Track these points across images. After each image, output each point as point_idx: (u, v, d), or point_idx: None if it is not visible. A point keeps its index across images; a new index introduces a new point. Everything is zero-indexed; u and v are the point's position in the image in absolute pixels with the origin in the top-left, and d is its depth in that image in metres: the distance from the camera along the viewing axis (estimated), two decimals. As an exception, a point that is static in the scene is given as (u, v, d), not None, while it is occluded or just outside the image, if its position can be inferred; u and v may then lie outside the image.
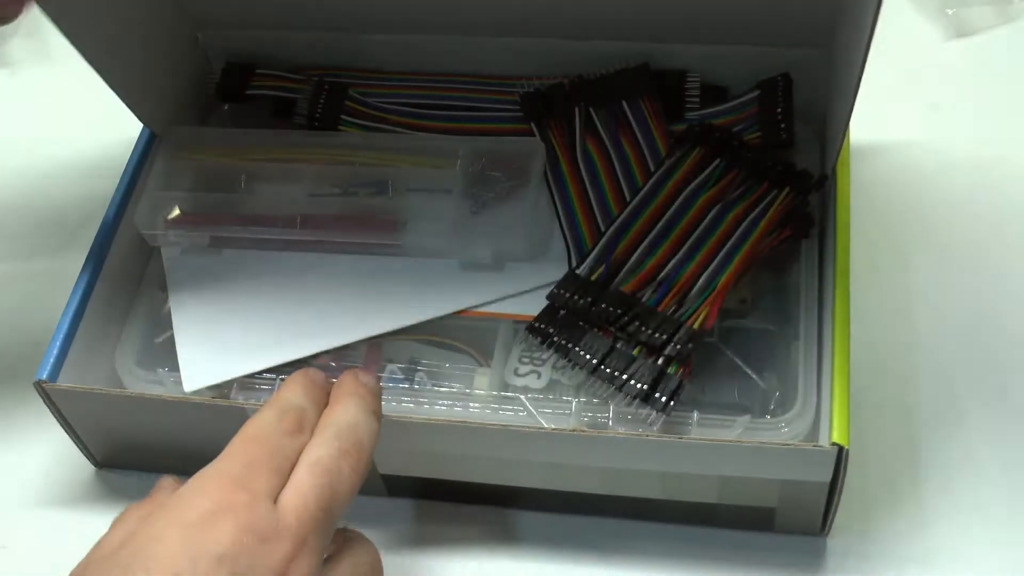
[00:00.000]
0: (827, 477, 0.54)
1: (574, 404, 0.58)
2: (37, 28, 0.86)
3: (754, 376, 0.59)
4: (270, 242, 0.64)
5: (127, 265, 0.65)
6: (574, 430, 0.56)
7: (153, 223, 0.65)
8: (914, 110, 0.76)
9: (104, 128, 0.77)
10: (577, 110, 0.66)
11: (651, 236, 0.60)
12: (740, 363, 0.59)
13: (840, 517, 0.58)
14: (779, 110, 0.64)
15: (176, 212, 0.65)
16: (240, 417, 0.56)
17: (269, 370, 0.60)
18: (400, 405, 0.59)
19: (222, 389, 0.60)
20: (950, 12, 0.79)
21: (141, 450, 0.63)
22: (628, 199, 0.62)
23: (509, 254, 0.63)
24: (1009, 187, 0.71)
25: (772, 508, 0.57)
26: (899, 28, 0.80)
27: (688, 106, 0.66)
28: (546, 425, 0.57)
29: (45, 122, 0.83)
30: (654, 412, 0.56)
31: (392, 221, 0.64)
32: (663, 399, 0.56)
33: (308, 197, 0.65)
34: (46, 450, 0.65)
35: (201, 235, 0.64)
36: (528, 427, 0.56)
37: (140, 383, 0.61)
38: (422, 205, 0.64)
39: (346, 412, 0.50)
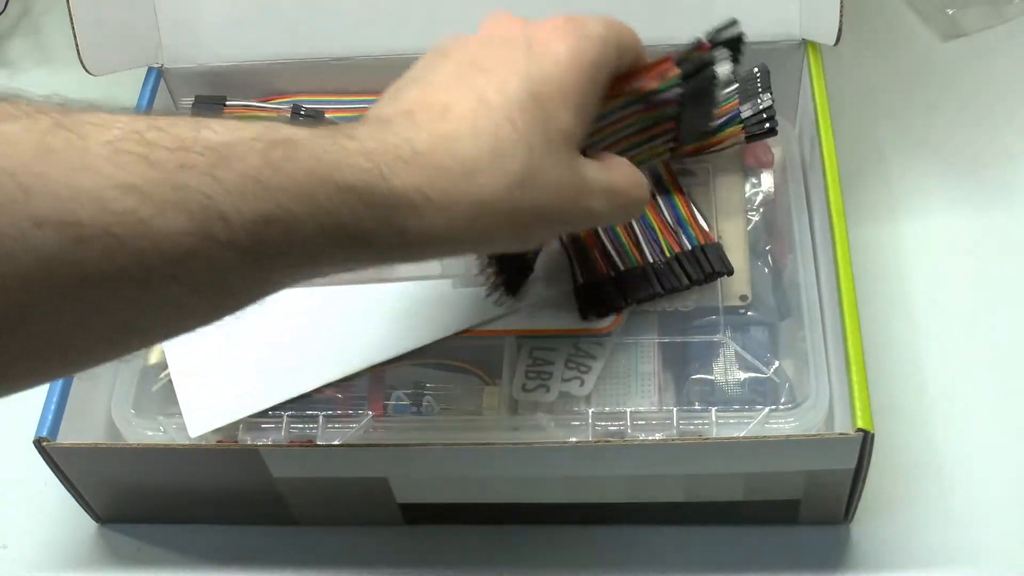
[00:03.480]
0: (852, 464, 0.54)
1: (589, 414, 0.57)
2: (37, 28, 0.85)
3: (764, 369, 0.59)
4: None
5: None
6: (598, 441, 0.55)
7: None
8: (913, 109, 0.76)
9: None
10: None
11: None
12: (749, 357, 0.59)
13: (861, 504, 0.58)
14: (760, 101, 0.64)
15: None
16: (250, 457, 0.56)
17: (274, 408, 0.59)
18: (409, 432, 0.58)
19: (227, 431, 0.59)
20: (950, 12, 0.79)
21: (145, 502, 0.61)
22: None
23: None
24: (1010, 187, 0.72)
25: (797, 500, 0.57)
26: (899, 28, 0.80)
27: (667, 105, 0.66)
28: (565, 439, 0.57)
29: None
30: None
31: None
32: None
33: None
34: (44, 507, 0.63)
35: None
36: (552, 442, 0.56)
37: (140, 432, 0.60)
38: None
39: None
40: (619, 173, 0.51)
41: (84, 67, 0.67)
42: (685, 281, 0.60)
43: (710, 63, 0.55)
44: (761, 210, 0.64)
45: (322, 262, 0.43)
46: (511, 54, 0.48)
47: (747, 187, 0.65)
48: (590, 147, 0.52)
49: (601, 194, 0.49)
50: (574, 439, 0.57)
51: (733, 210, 0.64)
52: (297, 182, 0.40)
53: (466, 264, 0.61)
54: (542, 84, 0.47)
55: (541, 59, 0.48)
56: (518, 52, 0.48)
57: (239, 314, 0.43)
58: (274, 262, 0.41)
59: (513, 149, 0.46)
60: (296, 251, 0.41)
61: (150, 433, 0.59)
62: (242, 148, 0.40)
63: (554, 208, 0.47)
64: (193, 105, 0.69)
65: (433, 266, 0.62)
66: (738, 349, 0.59)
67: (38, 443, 0.56)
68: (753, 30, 0.66)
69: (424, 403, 0.60)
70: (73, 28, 0.66)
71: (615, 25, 0.51)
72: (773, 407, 0.57)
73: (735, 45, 0.57)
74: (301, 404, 0.59)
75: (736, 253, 0.61)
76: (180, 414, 0.59)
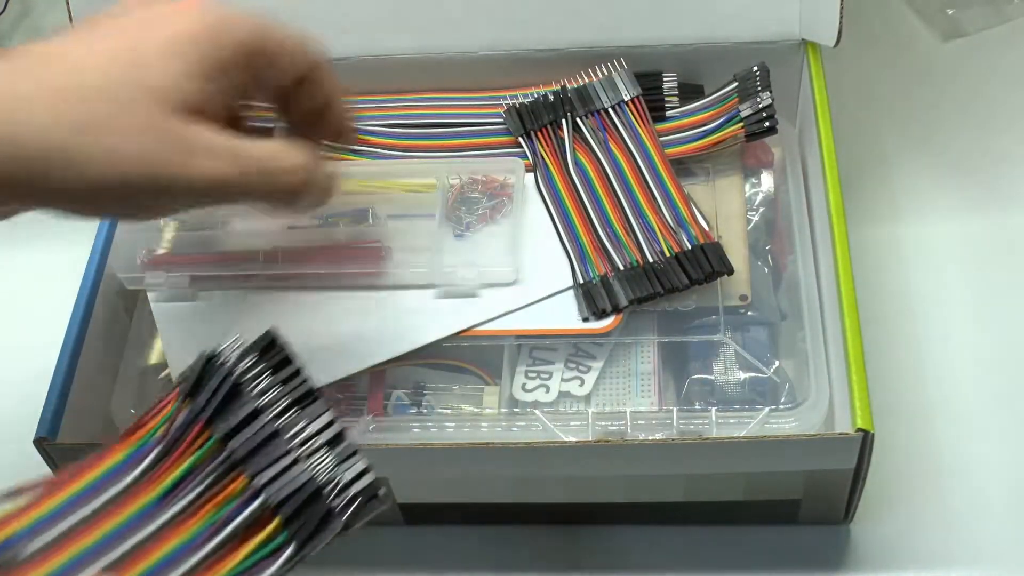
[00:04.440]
0: (852, 464, 0.54)
1: (590, 414, 0.57)
2: (37, 28, 0.85)
3: (764, 369, 0.59)
4: (251, 278, 0.63)
5: (115, 310, 0.63)
6: (598, 441, 0.55)
7: (130, 266, 0.63)
8: (913, 110, 0.76)
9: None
10: (564, 121, 0.65)
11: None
12: (749, 357, 0.59)
13: (861, 504, 0.58)
14: (759, 100, 0.64)
15: (153, 253, 0.63)
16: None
17: (274, 408, 0.59)
18: (409, 432, 0.58)
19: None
20: (950, 12, 0.79)
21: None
22: (624, 205, 0.62)
23: (494, 277, 0.62)
24: (1009, 188, 0.72)
25: (797, 500, 0.57)
26: (899, 28, 0.80)
27: (668, 104, 0.66)
28: (565, 439, 0.57)
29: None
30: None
31: (376, 248, 0.62)
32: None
33: (288, 230, 0.64)
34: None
35: (180, 276, 0.63)
36: (552, 442, 0.56)
37: (139, 432, 0.60)
38: (404, 232, 0.63)
39: None
40: (256, 143, 0.49)
41: (84, 67, 0.67)
42: (685, 281, 0.60)
43: None
44: (761, 210, 0.64)
45: None
46: (123, 21, 0.48)
47: (747, 187, 0.65)
48: None
49: (217, 156, 0.47)
50: (574, 439, 0.57)
51: (733, 210, 0.64)
52: None
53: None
54: (143, 46, 0.47)
55: (150, 26, 0.48)
56: (130, 20, 0.48)
57: None
58: None
59: (87, 94, 0.45)
60: None
61: (150, 432, 0.59)
62: None
63: (137, 160, 0.45)
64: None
65: (423, 271, 0.62)
66: (738, 349, 0.59)
67: (38, 443, 0.56)
68: (753, 30, 0.66)
69: (424, 403, 0.60)
70: (73, 29, 0.66)
71: (263, 24, 0.50)
72: (773, 407, 0.57)
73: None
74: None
75: (736, 253, 0.61)
76: (180, 414, 0.59)
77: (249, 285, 0.63)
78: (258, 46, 0.49)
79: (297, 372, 0.44)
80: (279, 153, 0.49)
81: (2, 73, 0.44)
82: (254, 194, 0.49)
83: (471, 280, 0.61)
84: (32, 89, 0.44)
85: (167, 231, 0.65)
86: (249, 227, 0.65)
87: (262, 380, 0.43)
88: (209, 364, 0.43)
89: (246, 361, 0.43)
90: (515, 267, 0.62)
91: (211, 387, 0.43)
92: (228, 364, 0.43)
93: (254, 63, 0.49)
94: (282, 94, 0.52)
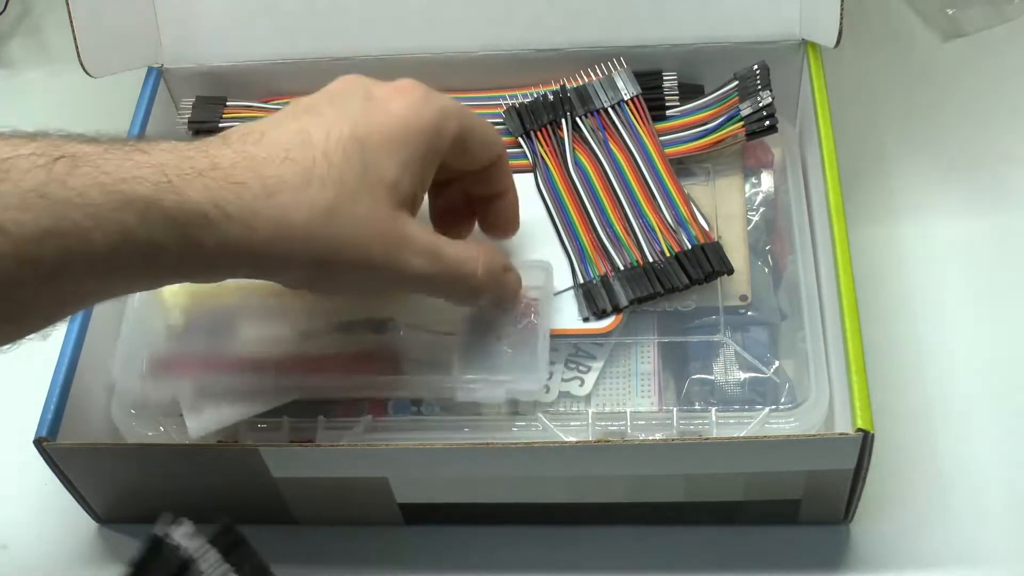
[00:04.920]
0: (852, 464, 0.54)
1: (589, 414, 0.57)
2: (37, 28, 0.85)
3: (764, 369, 0.59)
4: (262, 390, 0.58)
5: (115, 310, 0.63)
6: (598, 441, 0.55)
7: (127, 376, 0.59)
8: (913, 109, 0.76)
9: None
10: (564, 121, 0.65)
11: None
12: (749, 357, 0.59)
13: (861, 504, 0.58)
14: (760, 99, 0.64)
15: (156, 357, 0.59)
16: (250, 457, 0.56)
17: (275, 411, 0.59)
18: (409, 432, 0.58)
19: (227, 431, 0.59)
20: (950, 12, 0.79)
21: (145, 502, 0.61)
22: (624, 205, 0.62)
23: (521, 391, 0.58)
24: (1009, 188, 0.72)
25: (797, 500, 0.57)
26: (899, 28, 0.80)
27: (668, 104, 0.66)
28: (565, 439, 0.57)
29: (45, 123, 0.81)
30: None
31: (393, 362, 0.59)
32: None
33: (302, 338, 0.59)
34: (44, 507, 0.63)
35: (183, 385, 0.59)
36: (552, 442, 0.56)
37: (140, 432, 0.59)
38: (424, 345, 0.59)
39: None
40: (452, 244, 0.52)
41: (84, 69, 0.67)
42: (685, 281, 0.60)
43: None
44: (761, 210, 0.64)
45: (115, 276, 0.44)
46: (346, 103, 0.50)
47: (747, 187, 0.65)
48: None
49: (423, 253, 0.50)
50: (574, 439, 0.57)
51: (733, 210, 0.64)
52: (82, 195, 0.41)
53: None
54: (369, 131, 0.48)
55: (374, 111, 0.49)
56: (354, 102, 0.50)
57: (44, 332, 0.45)
58: (64, 275, 0.42)
59: (323, 181, 0.46)
60: (85, 263, 0.42)
61: (150, 433, 0.59)
62: (23, 163, 0.41)
63: (362, 249, 0.48)
64: (194, 105, 0.69)
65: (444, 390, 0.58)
66: (738, 349, 0.59)
67: (38, 443, 0.56)
68: (753, 30, 0.67)
69: (424, 403, 0.60)
70: (73, 30, 0.66)
71: (466, 110, 0.52)
72: (773, 407, 0.57)
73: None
74: (301, 404, 0.59)
75: (736, 253, 0.61)
76: (180, 414, 0.59)
77: (259, 396, 0.58)
78: (464, 137, 0.52)
79: (249, 552, 0.43)
80: (469, 256, 0.52)
81: (251, 158, 0.46)
82: (445, 291, 0.53)
83: (496, 396, 0.58)
84: (282, 173, 0.46)
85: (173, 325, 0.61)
86: (261, 334, 0.60)
87: (213, 561, 0.42)
88: (156, 545, 0.43)
89: (195, 542, 0.43)
90: (543, 379, 0.58)
91: (159, 569, 0.42)
92: (177, 545, 0.43)
93: (457, 152, 0.52)
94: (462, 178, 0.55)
